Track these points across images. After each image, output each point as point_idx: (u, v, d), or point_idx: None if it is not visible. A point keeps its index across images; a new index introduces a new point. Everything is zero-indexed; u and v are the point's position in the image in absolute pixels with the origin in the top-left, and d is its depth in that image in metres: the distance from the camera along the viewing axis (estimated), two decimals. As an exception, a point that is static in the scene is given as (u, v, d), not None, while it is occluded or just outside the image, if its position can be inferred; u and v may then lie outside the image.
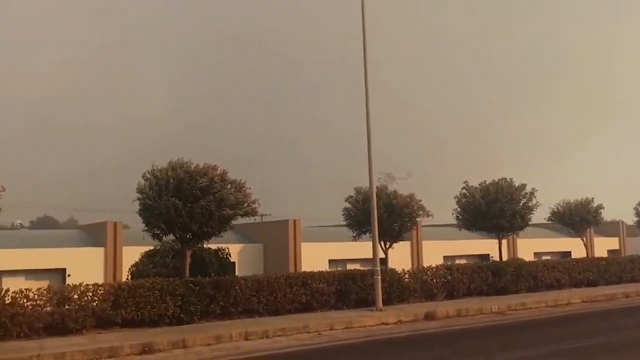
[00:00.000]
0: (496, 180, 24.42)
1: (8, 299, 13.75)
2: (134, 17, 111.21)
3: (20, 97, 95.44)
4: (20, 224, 55.02)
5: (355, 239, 22.39)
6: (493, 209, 23.76)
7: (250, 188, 16.79)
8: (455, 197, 24.98)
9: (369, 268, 19.65)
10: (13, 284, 15.84)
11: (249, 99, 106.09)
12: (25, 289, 14.21)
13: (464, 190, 24.68)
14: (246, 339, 14.24)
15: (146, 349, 12.83)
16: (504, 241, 26.86)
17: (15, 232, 37.06)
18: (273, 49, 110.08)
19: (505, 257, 27.05)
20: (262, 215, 34.94)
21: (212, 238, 17.00)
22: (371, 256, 19.13)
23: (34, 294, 14.22)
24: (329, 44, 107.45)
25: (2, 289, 14.03)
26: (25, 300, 13.98)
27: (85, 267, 23.46)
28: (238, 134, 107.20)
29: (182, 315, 15.81)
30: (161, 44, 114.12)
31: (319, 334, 15.05)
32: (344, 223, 22.87)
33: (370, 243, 19.37)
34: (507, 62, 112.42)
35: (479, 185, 24.64)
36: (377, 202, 19.53)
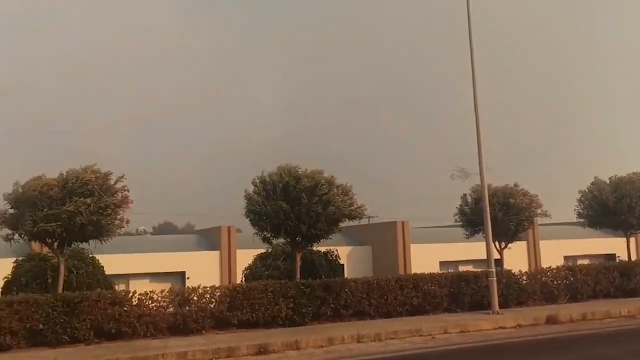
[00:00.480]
0: (625, 175, 22.67)
1: (135, 301, 14.66)
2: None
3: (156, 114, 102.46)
4: (144, 230, 58.97)
5: (468, 237, 21.65)
6: (621, 205, 22.08)
7: (356, 194, 16.82)
8: (579, 192, 23.49)
9: (483, 269, 18.89)
10: (139, 286, 16.93)
11: (355, 100, 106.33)
12: (150, 291, 15.08)
13: (592, 185, 23.16)
14: (358, 342, 14.16)
15: (261, 349, 13.13)
16: (632, 239, 24.80)
17: (140, 238, 39.66)
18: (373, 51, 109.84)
19: (634, 257, 24.95)
20: (369, 217, 34.88)
21: (321, 240, 17.14)
22: (484, 257, 18.37)
23: (158, 296, 15.06)
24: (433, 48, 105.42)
25: (130, 290, 15.00)
26: (150, 302, 14.84)
27: (202, 270, 24.60)
28: (348, 136, 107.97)
29: (294, 316, 16.07)
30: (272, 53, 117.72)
31: (433, 337, 14.66)
32: (454, 223, 22.20)
33: (484, 243, 18.61)
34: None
35: (609, 179, 23.02)
36: (491, 201, 18.70)
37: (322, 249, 19.21)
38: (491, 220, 18.51)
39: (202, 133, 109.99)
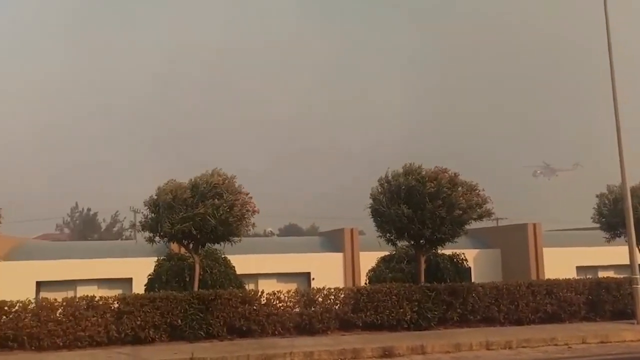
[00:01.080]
0: None
1: (264, 300, 15.22)
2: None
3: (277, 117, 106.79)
4: (271, 231, 61.23)
5: (608, 241, 20.03)
6: None
7: (483, 189, 16.18)
8: None
9: (626, 276, 17.39)
10: (267, 286, 17.58)
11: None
12: (277, 291, 15.58)
13: None
14: (487, 349, 13.65)
15: (386, 352, 13.08)
16: None
17: (267, 239, 41.21)
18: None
19: None
20: (497, 219, 33.45)
21: (446, 243, 16.72)
22: (627, 262, 16.89)
23: (285, 296, 15.52)
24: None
25: (259, 290, 15.60)
26: (277, 301, 15.34)
27: (327, 271, 24.97)
28: (477, 135, 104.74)
29: (419, 320, 15.82)
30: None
31: (569, 347, 13.76)
32: (591, 226, 20.63)
33: (626, 247, 17.12)
34: None
35: None
36: (634, 202, 17.21)
37: (448, 252, 18.71)
38: (634, 223, 17.00)
39: (327, 136, 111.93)
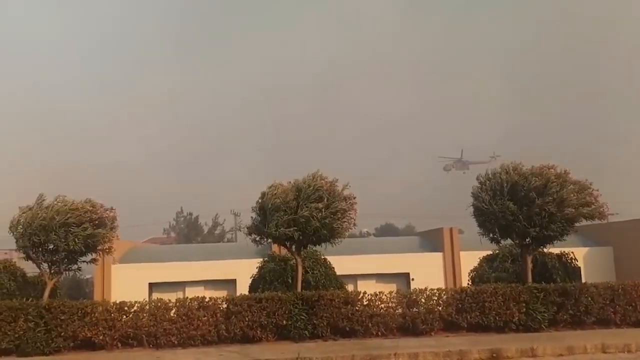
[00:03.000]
0: None
1: (366, 301, 15.27)
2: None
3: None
4: (367, 231, 61.22)
5: None
6: None
7: (597, 189, 15.34)
8: None
9: None
10: (366, 287, 17.60)
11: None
12: (379, 292, 15.56)
13: None
14: (603, 352, 12.93)
15: (494, 355, 12.71)
16: None
17: (364, 240, 41.29)
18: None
19: None
20: (607, 215, 31.44)
21: (554, 242, 15.99)
22: None
23: (387, 297, 15.47)
24: None
25: (360, 291, 15.67)
26: (379, 302, 15.32)
27: (426, 272, 24.67)
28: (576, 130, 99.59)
29: (528, 322, 15.23)
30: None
31: (697, 352, 12.71)
32: None
33: None
34: None
35: None
36: None
37: (555, 250, 17.88)
38: None
39: (421, 136, 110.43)
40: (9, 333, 13.86)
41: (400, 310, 15.45)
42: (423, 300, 15.53)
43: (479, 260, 19.67)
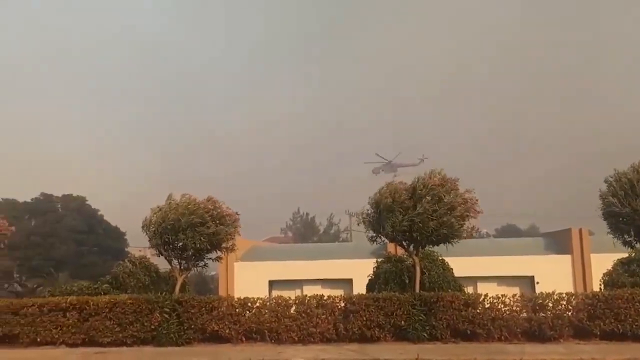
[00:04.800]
0: None
1: (487, 304, 14.73)
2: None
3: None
4: (487, 232, 59.07)
5: None
6: None
7: None
8: None
9: None
10: (486, 289, 16.94)
11: None
12: (501, 295, 14.94)
13: None
14: None
15: (632, 366, 11.74)
16: None
17: (483, 241, 39.87)
18: None
19: None
20: None
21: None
22: None
23: (510, 300, 14.82)
24: None
25: (482, 293, 15.14)
26: (502, 305, 14.71)
27: (552, 275, 23.28)
28: None
29: (671, 332, 13.91)
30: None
31: None
32: None
33: None
34: None
35: None
36: None
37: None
38: None
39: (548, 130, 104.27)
40: (146, 324, 14.96)
41: (525, 315, 14.74)
42: (550, 305, 14.69)
43: (613, 263, 18.26)
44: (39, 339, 15.20)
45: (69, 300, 15.53)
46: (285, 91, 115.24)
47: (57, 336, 15.15)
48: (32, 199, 51.37)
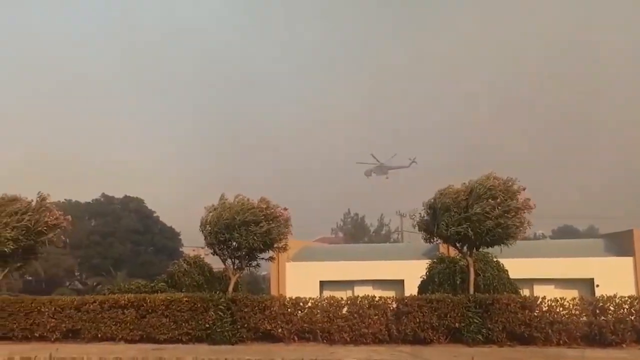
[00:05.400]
0: None
1: (545, 307, 14.31)
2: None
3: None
4: (542, 233, 57.42)
5: None
6: None
7: None
8: None
9: None
10: (543, 292, 16.45)
11: None
12: (560, 298, 14.49)
13: None
14: None
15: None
16: None
17: (540, 242, 38.82)
18: None
19: None
20: None
21: None
22: None
23: (569, 303, 14.35)
24: None
25: (539, 296, 14.72)
26: (560, 309, 14.26)
27: (613, 278, 22.42)
28: None
29: None
30: None
31: None
32: None
33: None
34: None
35: None
36: None
37: None
38: None
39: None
40: (200, 322, 15.25)
41: (584, 318, 14.23)
42: (612, 309, 14.13)
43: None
44: (99, 335, 15.72)
45: (127, 297, 16.00)
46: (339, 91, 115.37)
47: (116, 332, 15.63)
48: (93, 200, 53.37)
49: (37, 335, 15.92)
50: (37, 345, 15.32)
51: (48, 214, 16.42)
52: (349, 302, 15.22)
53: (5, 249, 15.80)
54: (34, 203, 16.55)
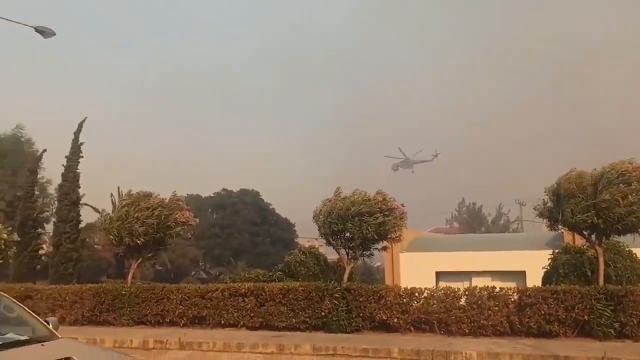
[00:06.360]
0: None
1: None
2: None
3: None
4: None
5: None
6: None
7: None
8: None
9: None
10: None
11: None
12: None
13: None
14: None
15: None
16: None
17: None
18: None
19: None
20: None
21: None
22: None
23: None
24: None
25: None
26: None
27: None
28: None
29: None
30: None
31: None
32: None
33: None
34: None
35: None
36: None
37: None
38: None
39: None
40: (317, 311, 15.51)
41: None
42: None
43: None
44: (222, 321, 16.48)
45: (247, 286, 16.63)
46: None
47: (238, 319, 16.30)
48: (214, 194, 56.28)
49: (168, 320, 16.99)
50: (167, 329, 16.37)
51: (179, 212, 17.56)
52: (467, 292, 14.77)
53: (138, 241, 17.12)
54: (167, 200, 17.78)
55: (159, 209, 17.34)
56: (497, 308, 14.18)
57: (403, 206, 15.99)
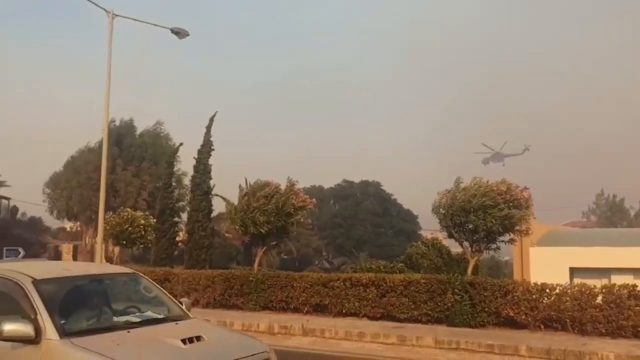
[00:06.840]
0: None
1: None
2: None
3: None
4: None
5: None
6: None
7: None
8: None
9: None
10: None
11: None
12: None
13: None
14: None
15: None
16: None
17: None
18: None
19: None
20: None
21: None
22: None
23: None
24: None
25: None
26: None
27: None
28: None
29: None
30: None
31: None
32: None
33: None
34: None
35: None
36: None
37: None
38: None
39: None
40: (439, 304, 15.18)
41: None
42: None
43: None
44: (344, 310, 16.66)
45: (368, 276, 16.66)
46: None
47: (359, 309, 16.39)
48: (335, 185, 57.08)
49: (292, 307, 17.49)
50: (291, 316, 16.86)
51: (295, 197, 18.07)
52: (604, 290, 13.69)
53: (262, 230, 17.83)
54: (282, 187, 18.35)
55: (276, 196, 17.94)
56: (638, 308, 13.01)
57: (528, 190, 15.08)
